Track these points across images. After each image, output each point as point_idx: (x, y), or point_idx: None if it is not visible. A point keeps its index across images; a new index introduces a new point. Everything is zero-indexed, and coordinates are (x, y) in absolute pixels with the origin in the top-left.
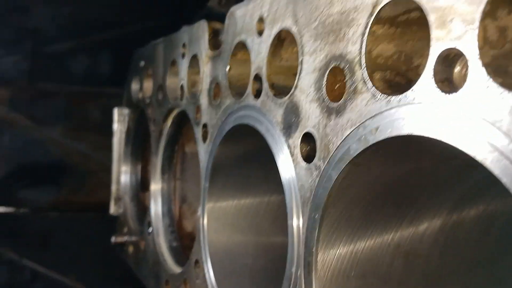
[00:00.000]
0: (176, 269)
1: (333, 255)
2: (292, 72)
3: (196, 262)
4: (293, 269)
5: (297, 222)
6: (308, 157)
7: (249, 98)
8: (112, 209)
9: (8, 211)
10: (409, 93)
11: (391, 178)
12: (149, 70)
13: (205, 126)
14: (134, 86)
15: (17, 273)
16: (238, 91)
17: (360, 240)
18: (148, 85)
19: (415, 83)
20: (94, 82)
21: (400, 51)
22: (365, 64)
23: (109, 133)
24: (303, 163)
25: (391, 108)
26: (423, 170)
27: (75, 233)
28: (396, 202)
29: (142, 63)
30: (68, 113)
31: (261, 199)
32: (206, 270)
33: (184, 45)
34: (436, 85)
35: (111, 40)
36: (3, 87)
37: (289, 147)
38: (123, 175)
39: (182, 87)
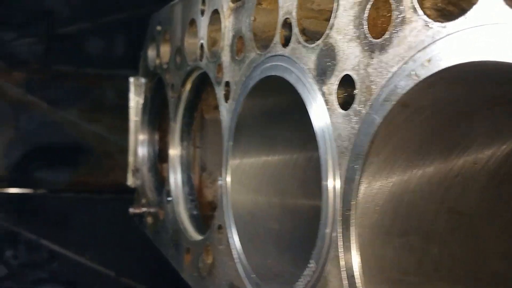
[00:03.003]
0: (197, 236)
1: (373, 209)
2: (324, 17)
3: (219, 227)
4: (328, 229)
5: (333, 176)
6: (345, 104)
7: (276, 47)
8: (130, 181)
9: (25, 192)
10: (469, 14)
11: (441, 122)
12: (166, 34)
13: (227, 84)
14: (151, 52)
15: (35, 253)
16: (264, 44)
17: (402, 193)
18: (166, 50)
19: (477, 1)
20: (108, 64)
21: None
22: None
23: (124, 114)
24: (340, 111)
25: (447, 35)
26: (476, 113)
27: (91, 213)
28: (444, 151)
29: (158, 28)
30: (83, 95)
31: (287, 161)
32: (230, 235)
33: (203, 2)
34: (504, 1)
35: (125, 21)
36: (19, 70)
37: (323, 94)
38: (140, 146)
39: (201, 46)
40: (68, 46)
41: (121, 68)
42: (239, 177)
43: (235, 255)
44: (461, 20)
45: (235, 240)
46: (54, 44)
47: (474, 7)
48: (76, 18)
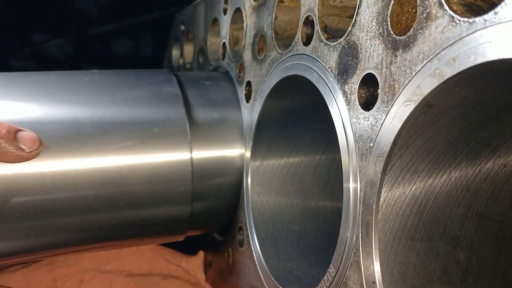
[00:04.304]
0: (218, 237)
1: (396, 213)
2: (347, 14)
3: (240, 228)
4: (348, 233)
5: (354, 178)
6: (367, 104)
7: (297, 46)
8: None
9: None
10: (500, 9)
11: (468, 123)
12: (190, 34)
13: (248, 84)
14: (175, 52)
15: None
16: (285, 42)
17: (427, 197)
18: (189, 49)
19: None
20: (136, 64)
21: None
22: None
23: None
24: (361, 110)
25: (474, 32)
26: (506, 114)
27: None
28: (471, 153)
29: (182, 27)
30: None
31: (309, 162)
32: (250, 237)
33: (226, 1)
34: None
35: (153, 21)
36: (51, 70)
37: (344, 94)
38: None
39: (224, 45)
40: (97, 46)
41: (148, 68)
42: (260, 178)
43: (255, 257)
44: (490, 15)
45: (255, 242)
46: (84, 45)
47: (505, 1)
48: (105, 19)
